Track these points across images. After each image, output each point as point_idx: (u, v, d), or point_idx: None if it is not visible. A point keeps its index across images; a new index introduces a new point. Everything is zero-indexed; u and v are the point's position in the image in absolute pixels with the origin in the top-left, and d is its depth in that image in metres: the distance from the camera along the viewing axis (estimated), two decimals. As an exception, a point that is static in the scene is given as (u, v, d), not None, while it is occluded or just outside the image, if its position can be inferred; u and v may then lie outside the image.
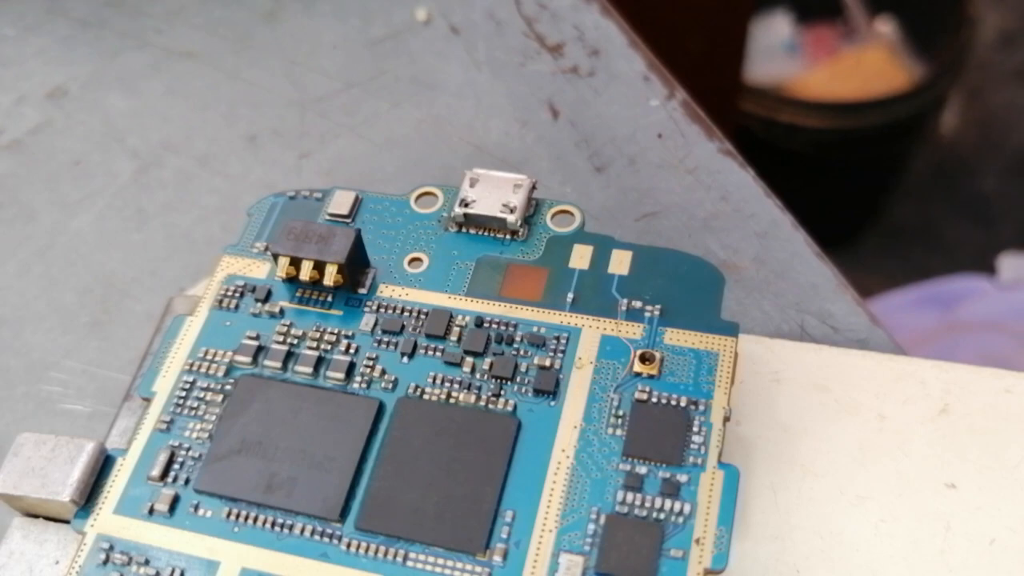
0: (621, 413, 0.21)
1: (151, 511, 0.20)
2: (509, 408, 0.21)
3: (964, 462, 0.23)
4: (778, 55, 0.82)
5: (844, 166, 0.81)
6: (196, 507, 0.21)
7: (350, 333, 0.23)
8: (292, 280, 0.23)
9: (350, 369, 0.22)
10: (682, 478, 0.20)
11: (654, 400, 0.21)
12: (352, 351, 0.22)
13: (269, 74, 0.35)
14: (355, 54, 0.35)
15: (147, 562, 0.20)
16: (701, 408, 0.21)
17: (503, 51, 0.35)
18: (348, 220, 0.25)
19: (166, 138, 0.33)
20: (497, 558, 0.19)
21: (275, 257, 0.23)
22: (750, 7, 0.64)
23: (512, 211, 0.24)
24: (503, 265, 0.24)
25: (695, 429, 0.20)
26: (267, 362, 0.22)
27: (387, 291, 0.23)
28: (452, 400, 0.21)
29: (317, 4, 0.37)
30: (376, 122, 0.33)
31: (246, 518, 0.20)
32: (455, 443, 0.21)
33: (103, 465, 0.21)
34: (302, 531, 0.20)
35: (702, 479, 0.20)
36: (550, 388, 0.21)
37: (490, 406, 0.21)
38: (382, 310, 0.23)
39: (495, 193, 0.24)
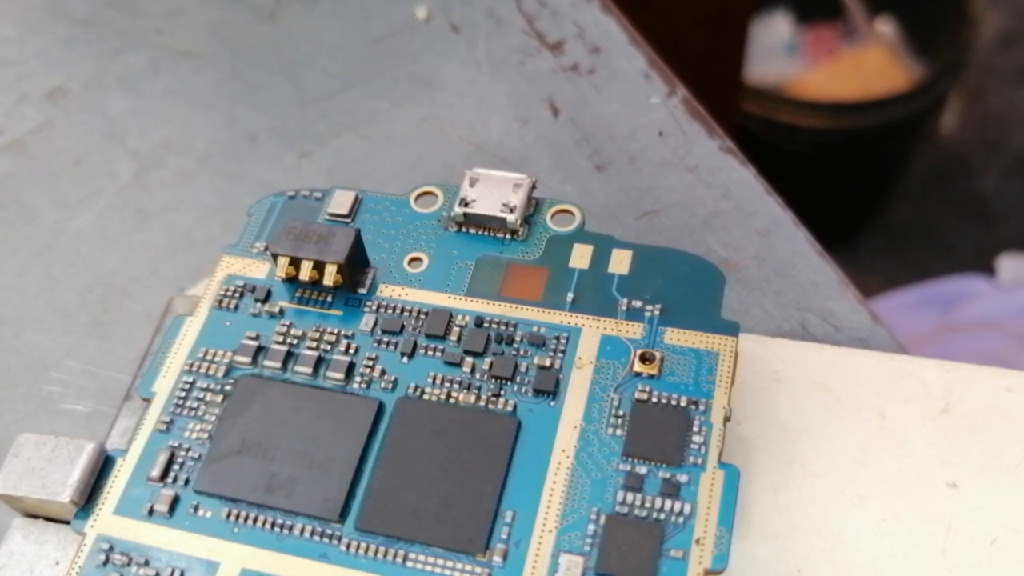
0: (621, 413, 0.21)
1: (151, 511, 0.20)
2: (509, 408, 0.21)
3: (965, 461, 0.23)
4: (778, 55, 0.82)
5: (844, 166, 0.81)
6: (196, 507, 0.20)
7: (350, 333, 0.23)
8: (292, 280, 0.23)
9: (350, 369, 0.22)
10: (682, 478, 0.20)
11: (654, 400, 0.21)
12: (352, 351, 0.22)
13: (269, 74, 0.35)
14: (355, 54, 0.35)
15: (147, 563, 0.20)
16: (701, 408, 0.21)
17: (503, 49, 0.35)
18: (348, 220, 0.25)
19: (166, 138, 0.33)
20: (497, 558, 0.19)
21: (275, 257, 0.23)
22: (750, 7, 0.64)
23: (512, 210, 0.24)
24: (503, 265, 0.24)
25: (695, 429, 0.20)
26: (267, 362, 0.22)
27: (387, 291, 0.23)
28: (452, 400, 0.21)
29: (317, 4, 0.37)
30: (376, 122, 0.33)
31: (246, 519, 0.20)
32: (455, 443, 0.21)
33: (103, 465, 0.21)
34: (302, 531, 0.20)
35: (702, 479, 0.20)
36: (550, 388, 0.21)
37: (490, 406, 0.21)
38: (382, 310, 0.23)
39: (495, 192, 0.24)
